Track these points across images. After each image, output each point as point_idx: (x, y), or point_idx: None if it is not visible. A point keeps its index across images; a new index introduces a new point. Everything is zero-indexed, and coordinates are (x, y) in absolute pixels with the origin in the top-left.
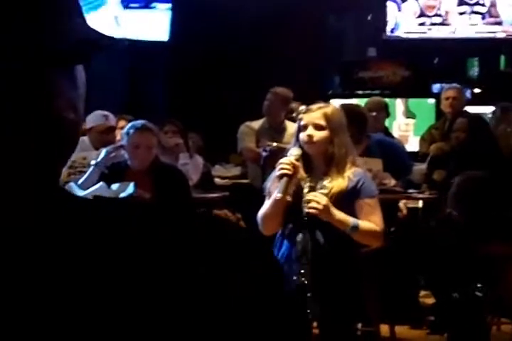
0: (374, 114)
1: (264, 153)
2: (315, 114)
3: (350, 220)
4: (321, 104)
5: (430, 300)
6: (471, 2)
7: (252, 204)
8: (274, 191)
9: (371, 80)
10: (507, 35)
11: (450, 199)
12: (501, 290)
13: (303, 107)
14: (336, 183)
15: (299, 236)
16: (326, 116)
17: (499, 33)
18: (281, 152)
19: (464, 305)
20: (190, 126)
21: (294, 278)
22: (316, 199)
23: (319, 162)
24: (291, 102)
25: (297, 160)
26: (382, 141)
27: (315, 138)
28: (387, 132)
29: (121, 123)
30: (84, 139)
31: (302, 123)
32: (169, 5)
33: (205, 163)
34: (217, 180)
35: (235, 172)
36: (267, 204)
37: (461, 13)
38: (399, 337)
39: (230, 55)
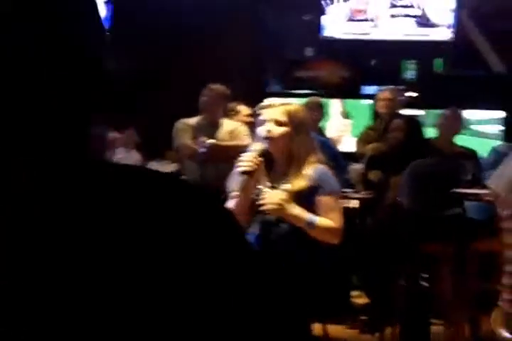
0: (312, 113)
1: (201, 150)
2: (277, 109)
3: (307, 216)
4: (284, 101)
5: (362, 300)
6: (402, 4)
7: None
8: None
9: (309, 80)
10: (441, 38)
11: (401, 188)
12: (435, 290)
13: (264, 102)
14: (296, 181)
15: (255, 232)
16: (288, 113)
17: (433, 35)
18: (218, 149)
19: (410, 292)
20: (128, 122)
21: None
22: (271, 197)
23: (280, 160)
24: (228, 99)
25: (259, 155)
26: (317, 140)
27: (274, 134)
28: (321, 132)
29: None
30: None
31: (261, 118)
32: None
33: (141, 158)
34: None
35: (171, 168)
36: (231, 203)
37: (393, 16)
38: (331, 336)
39: (169, 51)
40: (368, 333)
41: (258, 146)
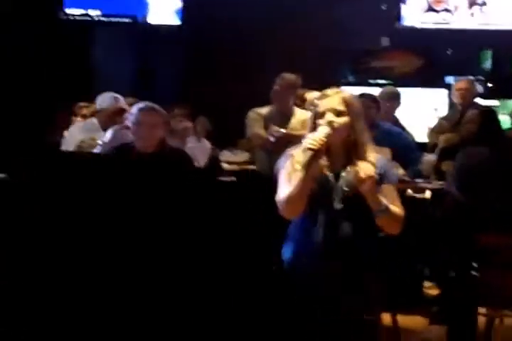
0: (387, 103)
1: (272, 139)
2: (333, 99)
3: (384, 200)
4: (336, 89)
5: (434, 292)
6: None
7: (258, 190)
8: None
9: (383, 70)
10: None
11: (450, 176)
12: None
13: (316, 93)
14: (364, 167)
15: (321, 229)
16: (346, 101)
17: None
18: (289, 138)
19: (459, 283)
20: (199, 110)
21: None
22: (366, 168)
23: (339, 150)
24: (299, 88)
25: (325, 138)
26: (391, 131)
27: (336, 125)
28: (397, 122)
29: (126, 106)
30: (94, 121)
31: (319, 110)
32: None
33: (212, 147)
34: (224, 165)
35: (243, 157)
36: (289, 187)
37: (471, 5)
38: (401, 326)
39: (242, 39)
40: (438, 324)
41: (323, 129)
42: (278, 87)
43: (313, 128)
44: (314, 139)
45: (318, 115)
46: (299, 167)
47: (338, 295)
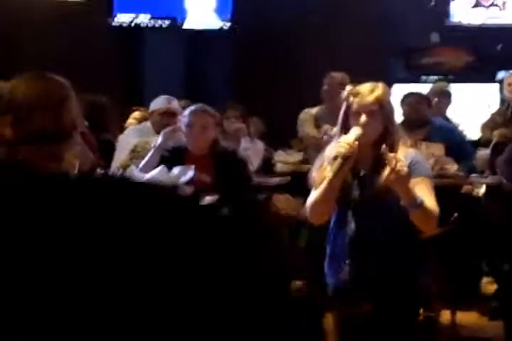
0: (436, 99)
1: (325, 138)
2: (368, 99)
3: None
4: (371, 86)
5: (492, 287)
6: None
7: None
8: (324, 176)
9: (434, 66)
10: None
11: (500, 166)
12: None
13: (349, 87)
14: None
15: (352, 225)
16: (380, 101)
17: None
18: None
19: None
20: (252, 111)
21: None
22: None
23: (368, 149)
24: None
25: (356, 140)
26: (444, 127)
27: (370, 127)
28: (447, 119)
29: (180, 109)
30: (148, 124)
31: (352, 108)
32: None
33: (266, 147)
34: (279, 165)
35: (298, 157)
36: (316, 191)
37: None
38: (460, 323)
39: (292, 39)
40: (497, 320)
41: (356, 131)
42: (327, 86)
43: (344, 125)
44: (346, 144)
45: (350, 113)
46: (330, 174)
47: (377, 298)
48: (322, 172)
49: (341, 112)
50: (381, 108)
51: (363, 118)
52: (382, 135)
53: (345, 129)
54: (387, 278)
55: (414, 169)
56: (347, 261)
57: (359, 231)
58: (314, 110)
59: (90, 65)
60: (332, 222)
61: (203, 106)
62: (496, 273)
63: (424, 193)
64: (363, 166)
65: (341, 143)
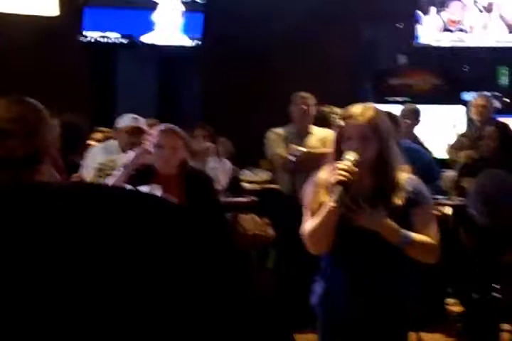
0: (408, 121)
1: (293, 159)
2: (360, 122)
3: (402, 231)
4: (362, 108)
5: (458, 309)
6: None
7: (280, 209)
8: (319, 202)
9: (401, 87)
10: None
11: (470, 200)
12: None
13: (339, 111)
14: (393, 196)
15: (352, 260)
16: (372, 124)
17: None
18: (311, 157)
19: (482, 305)
20: (220, 131)
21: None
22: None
23: (367, 176)
24: (314, 106)
25: (355, 166)
26: (410, 148)
27: (364, 153)
28: (415, 139)
29: (146, 127)
30: (114, 142)
31: (344, 133)
32: (203, 9)
33: (234, 167)
34: (245, 185)
35: (264, 177)
36: (315, 220)
37: (486, 24)
38: None
39: (262, 60)
40: None
41: (352, 155)
42: (294, 106)
43: (338, 151)
44: (343, 168)
45: (343, 138)
46: (333, 204)
47: (369, 326)
48: (317, 198)
49: (333, 137)
50: (374, 131)
51: (355, 143)
52: (378, 160)
53: (338, 154)
54: (382, 307)
55: (415, 199)
56: (352, 297)
57: (362, 261)
58: (282, 130)
59: (59, 83)
60: (327, 254)
61: (172, 127)
62: (462, 296)
63: (423, 226)
64: (362, 193)
65: (340, 170)
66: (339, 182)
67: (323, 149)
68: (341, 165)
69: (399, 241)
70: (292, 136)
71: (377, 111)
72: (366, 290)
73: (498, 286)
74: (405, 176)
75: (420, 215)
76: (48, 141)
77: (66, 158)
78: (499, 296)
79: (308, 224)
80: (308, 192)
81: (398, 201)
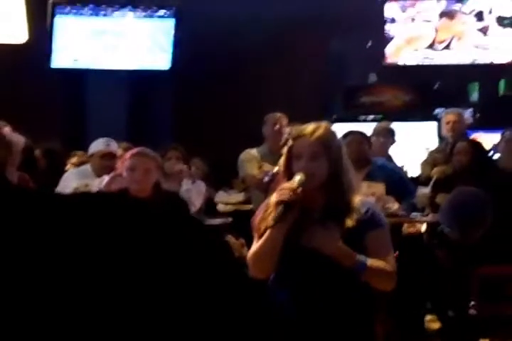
0: (382, 139)
1: (266, 179)
2: (309, 140)
3: (357, 256)
4: (313, 126)
5: (436, 325)
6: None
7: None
8: (264, 224)
9: (373, 105)
10: (506, 62)
11: (442, 216)
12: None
13: (288, 129)
14: (346, 217)
15: (297, 279)
16: (323, 142)
17: (497, 57)
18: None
19: (458, 322)
20: (193, 152)
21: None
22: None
23: (319, 196)
24: (285, 126)
25: (300, 187)
26: (384, 166)
27: (313, 171)
28: (389, 158)
29: (119, 151)
30: (87, 167)
31: (294, 151)
32: (172, 31)
33: (208, 188)
34: (220, 206)
35: (239, 198)
36: (258, 242)
37: (450, 42)
38: None
39: (232, 80)
40: None
41: (299, 176)
42: (267, 126)
43: (287, 169)
44: (285, 189)
45: (293, 156)
46: (271, 222)
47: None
48: (265, 221)
49: (283, 156)
50: (325, 149)
51: (304, 161)
52: (330, 179)
53: (288, 174)
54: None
55: (370, 221)
56: (295, 318)
57: (306, 283)
58: (256, 150)
59: (30, 108)
60: (272, 277)
61: (144, 149)
62: (440, 312)
63: (378, 251)
64: (313, 213)
65: (283, 190)
66: (280, 202)
67: None
68: (286, 184)
69: (353, 266)
70: (266, 156)
71: (329, 129)
72: (311, 314)
73: (473, 303)
74: (360, 198)
75: (375, 239)
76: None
77: (42, 182)
78: (475, 312)
79: (253, 247)
80: (257, 215)
81: (351, 223)
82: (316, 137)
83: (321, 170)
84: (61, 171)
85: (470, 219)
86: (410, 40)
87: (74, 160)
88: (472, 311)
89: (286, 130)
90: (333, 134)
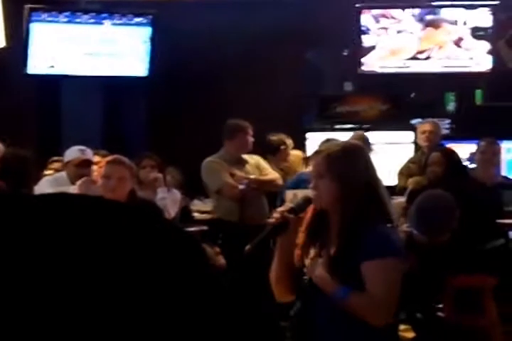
0: None
1: (242, 187)
2: (318, 156)
3: (336, 285)
4: (324, 145)
5: (410, 334)
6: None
7: (230, 238)
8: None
9: (348, 114)
10: (481, 70)
11: (410, 218)
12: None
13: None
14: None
15: (295, 308)
16: (327, 161)
17: (473, 67)
18: (259, 184)
19: (426, 325)
20: (168, 161)
21: None
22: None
23: (334, 219)
24: (247, 133)
25: (288, 211)
26: None
27: (320, 191)
28: None
29: (96, 158)
30: (63, 174)
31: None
32: (148, 39)
33: (183, 197)
34: (195, 215)
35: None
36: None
37: (430, 49)
38: None
39: (208, 89)
40: None
41: (300, 195)
42: (238, 133)
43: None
44: (276, 213)
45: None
46: (248, 246)
47: None
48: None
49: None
50: (329, 168)
51: (313, 180)
52: (340, 201)
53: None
54: None
55: (372, 250)
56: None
57: (303, 312)
58: (218, 158)
59: (4, 114)
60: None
61: (119, 157)
62: (413, 321)
63: (371, 283)
64: (331, 241)
65: (274, 212)
66: (270, 223)
67: (269, 176)
68: (280, 208)
69: (332, 294)
70: (229, 164)
71: (345, 147)
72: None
73: (441, 305)
74: (367, 222)
75: (369, 271)
76: None
77: (14, 190)
78: (442, 315)
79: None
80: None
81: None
82: (322, 155)
83: (327, 190)
84: (34, 178)
85: (437, 222)
86: (394, 51)
87: (55, 165)
88: (440, 314)
89: (272, 138)
90: (345, 152)
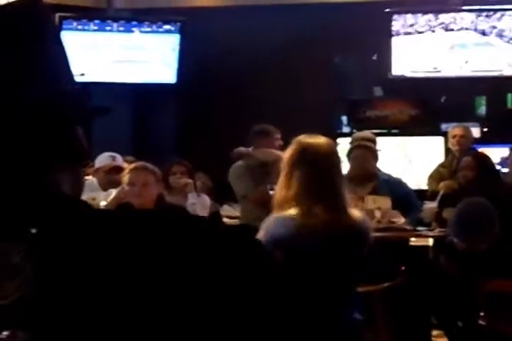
0: None
1: (272, 193)
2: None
3: None
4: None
5: (443, 340)
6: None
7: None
8: None
9: (378, 119)
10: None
11: (451, 226)
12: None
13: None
14: None
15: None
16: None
17: (504, 71)
18: None
19: (467, 333)
20: (198, 166)
21: None
22: None
23: None
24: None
25: None
26: (390, 180)
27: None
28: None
29: (125, 165)
30: (93, 180)
31: None
32: (177, 46)
33: (212, 202)
34: (225, 220)
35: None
36: None
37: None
38: None
39: (236, 95)
40: None
41: None
42: (266, 138)
43: None
44: None
45: None
46: None
47: None
48: None
49: None
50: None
51: None
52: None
53: None
54: None
55: None
56: None
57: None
58: (246, 164)
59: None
60: None
61: (142, 163)
62: (446, 327)
63: None
64: None
65: None
66: None
67: None
68: None
69: None
70: (255, 169)
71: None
72: None
73: (482, 313)
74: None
75: None
76: None
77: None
78: (484, 323)
79: None
80: None
81: None
82: None
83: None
84: None
85: (477, 229)
86: (423, 55)
87: (87, 170)
88: (481, 322)
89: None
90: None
